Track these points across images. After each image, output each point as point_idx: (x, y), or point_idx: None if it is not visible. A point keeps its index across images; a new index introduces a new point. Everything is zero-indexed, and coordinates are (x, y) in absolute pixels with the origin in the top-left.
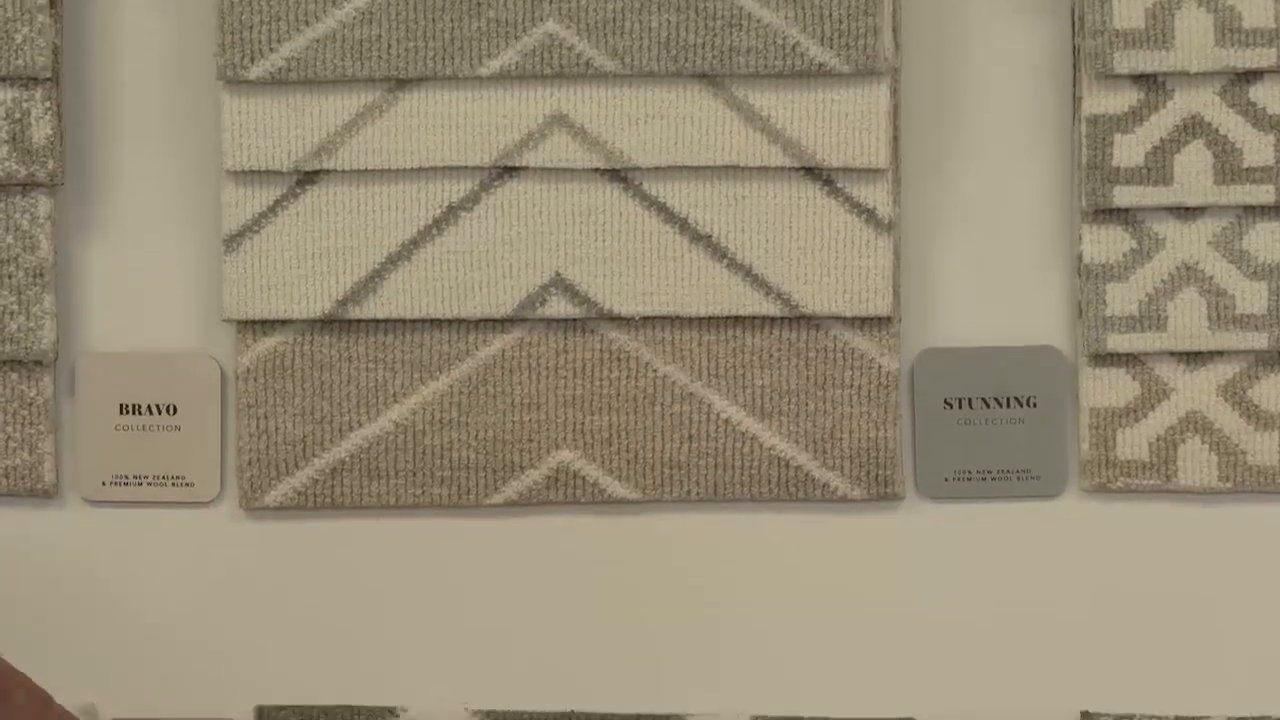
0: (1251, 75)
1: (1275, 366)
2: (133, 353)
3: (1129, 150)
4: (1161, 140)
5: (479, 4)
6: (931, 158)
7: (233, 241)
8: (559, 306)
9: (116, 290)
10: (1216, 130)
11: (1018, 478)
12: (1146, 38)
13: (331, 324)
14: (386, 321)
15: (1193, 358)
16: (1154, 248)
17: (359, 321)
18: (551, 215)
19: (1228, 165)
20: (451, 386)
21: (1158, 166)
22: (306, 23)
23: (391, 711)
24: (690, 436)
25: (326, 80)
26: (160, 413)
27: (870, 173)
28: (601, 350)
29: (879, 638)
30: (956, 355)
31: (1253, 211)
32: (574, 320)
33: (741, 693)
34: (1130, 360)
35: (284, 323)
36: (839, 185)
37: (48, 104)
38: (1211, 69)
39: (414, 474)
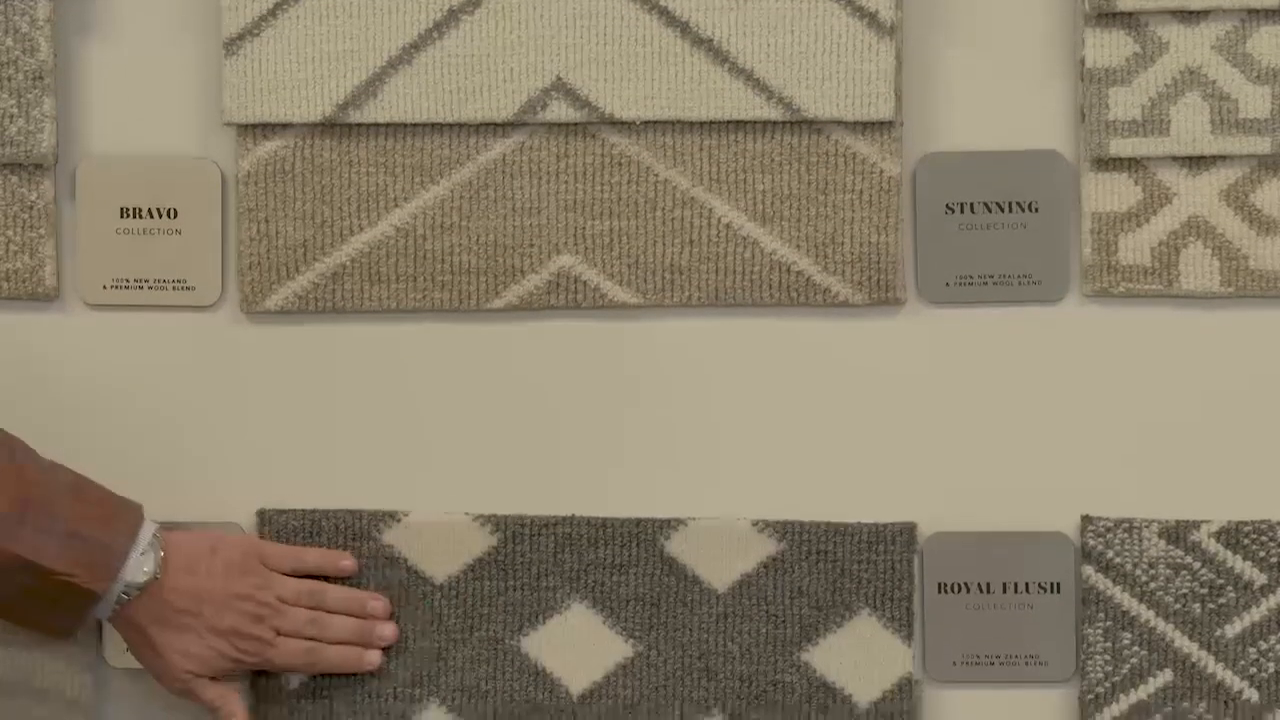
0: None
1: (1278, 171)
2: (133, 156)
3: None
4: None
5: None
6: None
7: (233, 44)
8: (560, 110)
9: (117, 93)
10: None
11: (1019, 282)
12: None
13: (332, 128)
14: (387, 125)
15: (1195, 162)
16: (1157, 51)
17: (359, 125)
18: (553, 19)
19: None
20: (452, 191)
21: None
22: None
23: (393, 516)
24: (691, 241)
25: None
26: (161, 216)
27: None
28: (602, 155)
29: (880, 443)
30: (958, 159)
31: (1256, 14)
32: (575, 124)
33: (742, 497)
34: (1132, 165)
35: (284, 126)
36: None
37: None
38: None
39: (415, 278)
